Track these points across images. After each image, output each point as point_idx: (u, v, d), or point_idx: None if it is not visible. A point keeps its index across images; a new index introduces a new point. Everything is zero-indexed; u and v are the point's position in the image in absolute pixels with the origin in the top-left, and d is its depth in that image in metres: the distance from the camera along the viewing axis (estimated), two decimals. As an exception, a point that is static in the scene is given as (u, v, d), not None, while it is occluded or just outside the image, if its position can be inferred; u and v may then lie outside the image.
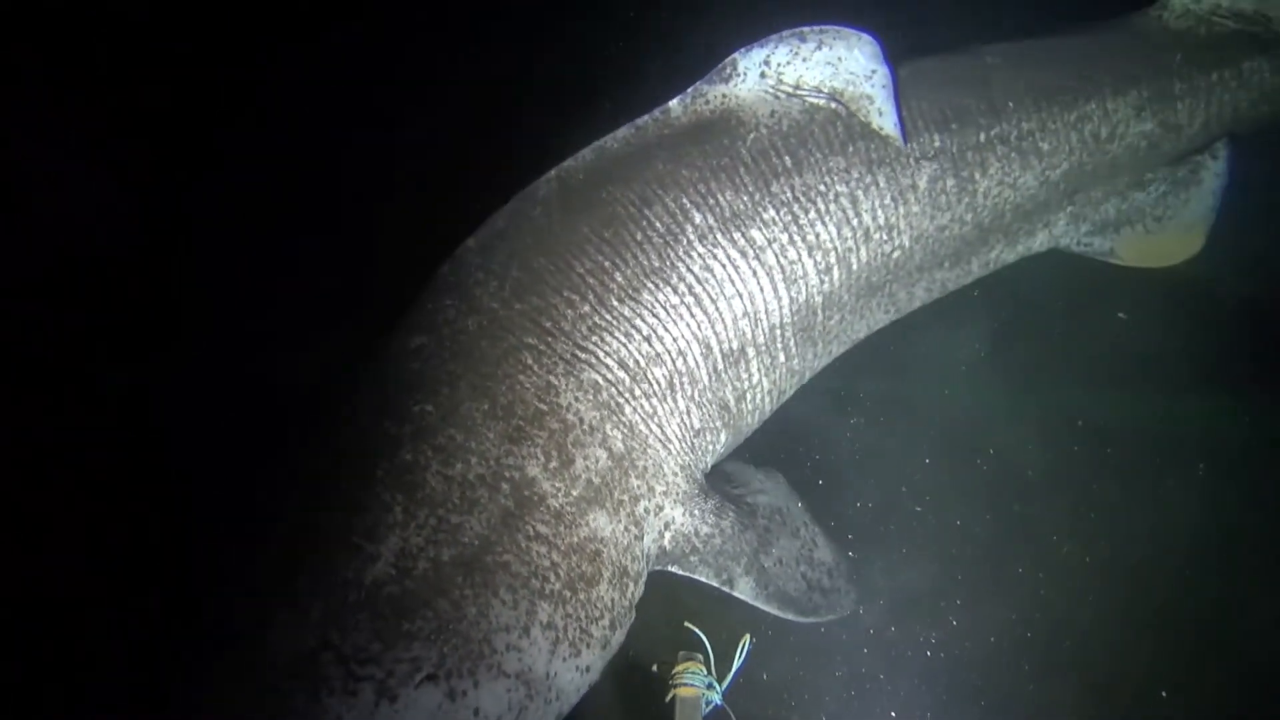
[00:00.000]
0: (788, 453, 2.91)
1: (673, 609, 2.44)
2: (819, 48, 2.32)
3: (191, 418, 2.68)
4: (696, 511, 2.33)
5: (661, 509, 2.26)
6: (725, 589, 2.34)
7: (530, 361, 2.13)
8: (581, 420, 2.14)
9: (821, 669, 2.62)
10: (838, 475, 2.90)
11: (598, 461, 2.13)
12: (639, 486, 2.21)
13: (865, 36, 2.31)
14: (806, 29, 2.31)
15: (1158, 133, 2.72)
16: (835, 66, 2.33)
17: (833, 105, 2.37)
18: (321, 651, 1.68)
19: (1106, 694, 2.60)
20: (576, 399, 2.15)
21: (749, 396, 2.53)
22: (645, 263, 2.25)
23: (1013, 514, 2.84)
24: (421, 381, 2.08)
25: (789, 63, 2.33)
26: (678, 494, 2.30)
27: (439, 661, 1.73)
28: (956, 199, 2.53)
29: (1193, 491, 2.85)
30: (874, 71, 2.34)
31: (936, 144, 2.46)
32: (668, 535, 2.28)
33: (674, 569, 2.31)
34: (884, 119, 2.38)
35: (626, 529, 2.14)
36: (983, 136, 2.50)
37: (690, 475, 2.38)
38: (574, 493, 2.06)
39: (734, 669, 2.38)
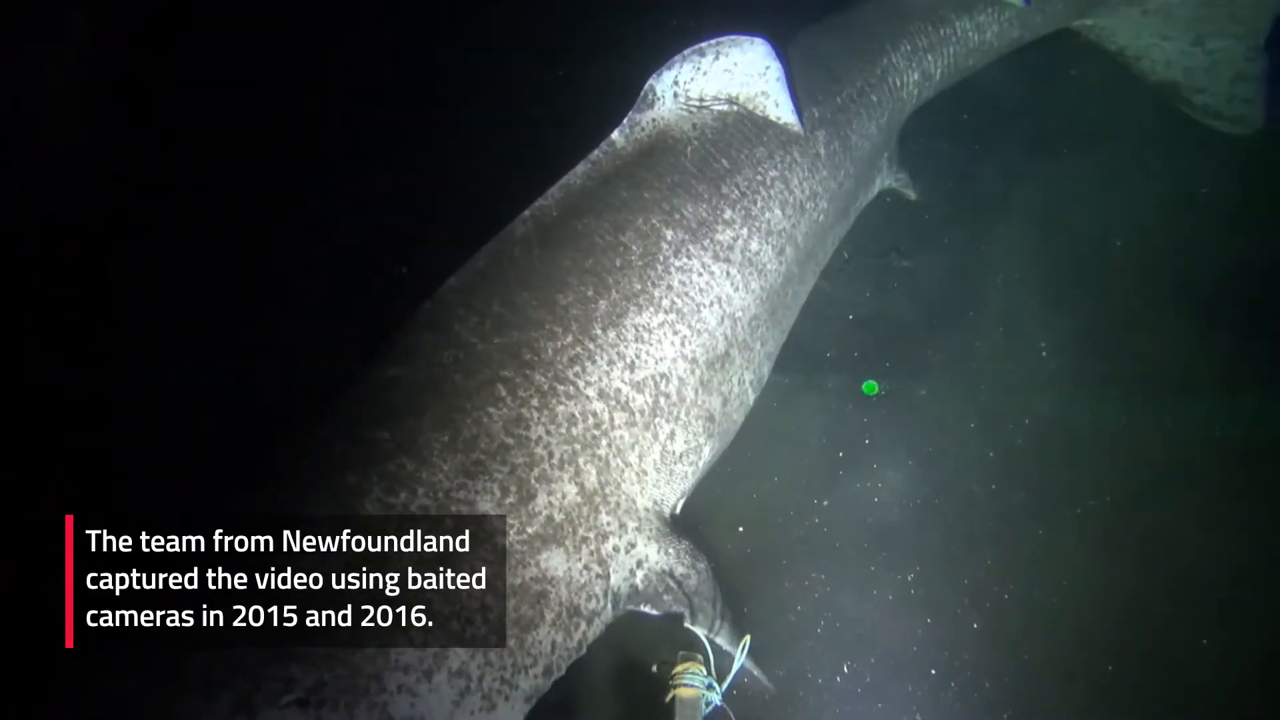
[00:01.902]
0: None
1: (673, 610, 2.43)
2: (717, 58, 2.54)
3: (157, 416, 2.70)
4: (671, 551, 2.31)
5: (634, 546, 2.25)
6: (699, 630, 2.33)
7: (504, 394, 2.13)
8: (551, 454, 2.13)
9: (822, 667, 2.63)
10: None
11: (564, 497, 2.11)
12: (609, 523, 2.20)
13: (757, 40, 2.54)
14: (704, 44, 2.53)
15: (921, 80, 3.23)
16: (732, 72, 2.57)
17: (735, 107, 2.61)
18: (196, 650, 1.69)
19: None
20: (548, 432, 2.14)
21: (733, 396, 2.58)
22: (626, 287, 2.31)
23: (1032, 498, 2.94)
24: (387, 411, 2.09)
25: (693, 78, 2.56)
26: (650, 531, 2.29)
27: (314, 688, 1.69)
28: (844, 156, 2.85)
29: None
30: (767, 68, 2.58)
31: (816, 114, 2.77)
32: (639, 574, 2.26)
33: (646, 609, 2.28)
34: (780, 108, 2.64)
35: (586, 567, 2.12)
36: (840, 99, 2.87)
37: (663, 510, 2.38)
38: (529, 530, 2.04)
39: (734, 669, 2.38)
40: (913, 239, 3.59)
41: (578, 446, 2.17)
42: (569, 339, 2.22)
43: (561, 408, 2.17)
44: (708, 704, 2.26)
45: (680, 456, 2.40)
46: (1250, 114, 3.68)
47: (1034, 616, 2.70)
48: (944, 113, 4.00)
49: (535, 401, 2.15)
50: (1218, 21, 3.56)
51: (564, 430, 2.16)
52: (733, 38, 2.53)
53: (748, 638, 2.40)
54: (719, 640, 2.34)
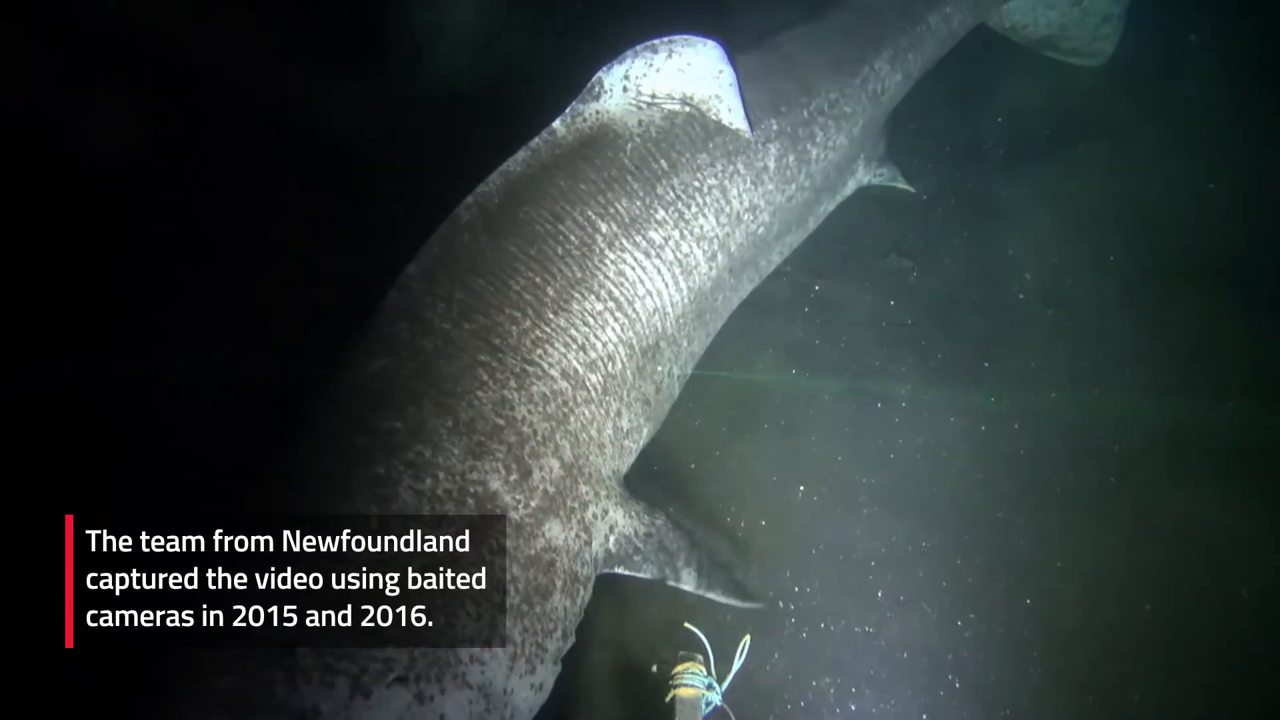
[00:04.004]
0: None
1: (673, 609, 2.44)
2: (670, 56, 2.53)
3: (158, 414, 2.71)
4: (634, 513, 2.44)
5: (606, 513, 2.36)
6: (671, 584, 2.44)
7: (486, 377, 2.21)
8: (535, 432, 2.22)
9: (821, 667, 2.63)
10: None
11: (552, 471, 2.22)
12: (587, 493, 2.30)
13: (710, 42, 2.53)
14: (657, 41, 2.52)
15: (902, 80, 3.28)
16: (685, 72, 2.56)
17: (687, 109, 2.61)
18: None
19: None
20: (529, 411, 2.23)
21: (664, 386, 2.68)
22: (569, 274, 2.39)
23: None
24: (389, 400, 2.13)
25: (645, 74, 2.55)
26: (616, 497, 2.41)
27: (410, 664, 1.79)
28: (798, 170, 2.86)
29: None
30: (720, 72, 2.57)
31: (775, 127, 2.76)
32: (612, 538, 2.37)
33: (620, 570, 2.38)
34: (732, 114, 2.64)
35: (578, 535, 2.22)
36: (806, 113, 2.86)
37: (619, 479, 2.50)
38: (532, 504, 2.13)
39: (734, 669, 2.38)
40: (916, 239, 3.60)
41: (554, 423, 2.27)
42: (528, 323, 2.31)
43: (535, 388, 2.26)
44: (708, 704, 2.27)
45: (627, 434, 2.53)
46: (1106, 48, 4.14)
47: (1049, 594, 2.76)
48: (949, 113, 4.02)
49: (513, 383, 2.24)
50: None
51: (541, 409, 2.25)
52: (685, 37, 2.52)
53: (747, 637, 2.41)
54: (689, 587, 2.46)
